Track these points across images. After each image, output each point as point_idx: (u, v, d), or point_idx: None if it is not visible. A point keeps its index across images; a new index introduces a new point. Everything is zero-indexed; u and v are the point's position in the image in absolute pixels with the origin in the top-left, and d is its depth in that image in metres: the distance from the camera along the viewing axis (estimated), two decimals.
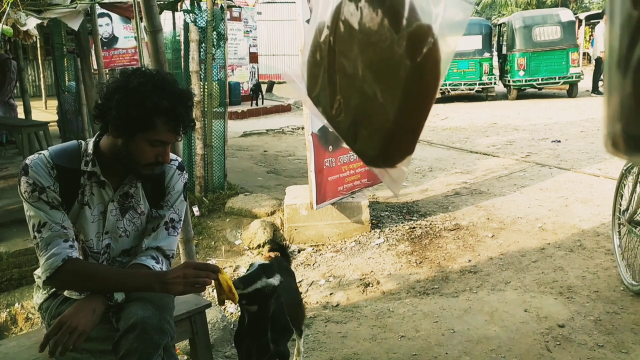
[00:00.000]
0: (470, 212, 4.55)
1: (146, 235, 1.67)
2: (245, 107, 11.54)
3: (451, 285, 3.28)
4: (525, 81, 12.09)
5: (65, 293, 1.61)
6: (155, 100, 1.43)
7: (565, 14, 12.25)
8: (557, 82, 12.12)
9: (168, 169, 1.69)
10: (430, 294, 3.20)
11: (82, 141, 1.61)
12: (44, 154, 1.53)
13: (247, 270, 1.74)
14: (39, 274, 1.67)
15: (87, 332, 1.39)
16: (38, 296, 1.68)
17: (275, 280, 1.68)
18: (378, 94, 0.80)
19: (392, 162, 0.85)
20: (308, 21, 3.75)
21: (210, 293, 3.38)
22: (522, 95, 12.68)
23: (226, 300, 1.56)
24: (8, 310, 3.52)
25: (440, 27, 0.74)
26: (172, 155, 1.64)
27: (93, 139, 1.58)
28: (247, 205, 4.58)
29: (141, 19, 2.49)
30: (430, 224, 4.32)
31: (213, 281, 1.49)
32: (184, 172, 1.74)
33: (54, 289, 1.63)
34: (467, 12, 0.75)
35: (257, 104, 11.79)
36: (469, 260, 3.62)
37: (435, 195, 5.10)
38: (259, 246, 4.14)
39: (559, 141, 7.31)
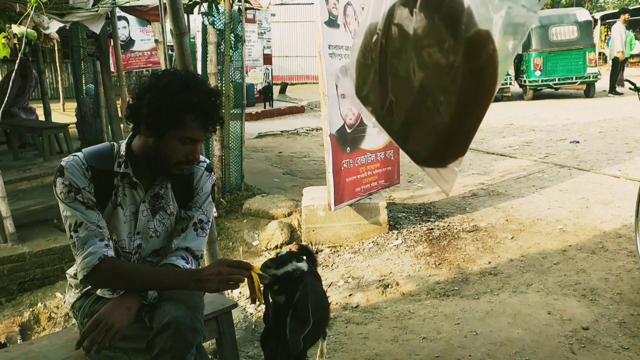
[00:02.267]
0: (489, 213, 4.52)
1: (175, 235, 1.69)
2: (259, 108, 11.59)
3: (471, 287, 3.26)
4: (542, 81, 11.97)
5: (98, 292, 1.64)
6: (185, 97, 1.46)
7: (582, 14, 12.12)
8: (574, 82, 11.98)
9: (196, 170, 1.71)
10: (451, 295, 3.18)
11: (115, 143, 1.63)
12: (78, 156, 1.56)
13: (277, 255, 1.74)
14: (72, 273, 1.70)
15: (122, 330, 1.41)
16: (70, 295, 1.71)
17: (304, 265, 1.67)
18: (433, 97, 0.80)
19: (444, 163, 0.85)
20: (327, 23, 3.76)
21: (229, 293, 3.40)
22: (538, 95, 12.55)
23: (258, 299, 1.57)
24: (31, 309, 3.58)
25: (500, 33, 0.74)
26: (200, 157, 1.66)
27: (125, 141, 1.61)
28: (264, 206, 4.61)
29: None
30: (448, 225, 4.30)
31: (246, 279, 1.51)
32: (212, 173, 1.76)
33: (87, 288, 1.66)
34: (530, 19, 0.75)
35: (271, 106, 11.85)
36: (489, 262, 3.60)
37: (452, 197, 5.07)
38: (276, 247, 4.16)
39: (578, 142, 7.22)
